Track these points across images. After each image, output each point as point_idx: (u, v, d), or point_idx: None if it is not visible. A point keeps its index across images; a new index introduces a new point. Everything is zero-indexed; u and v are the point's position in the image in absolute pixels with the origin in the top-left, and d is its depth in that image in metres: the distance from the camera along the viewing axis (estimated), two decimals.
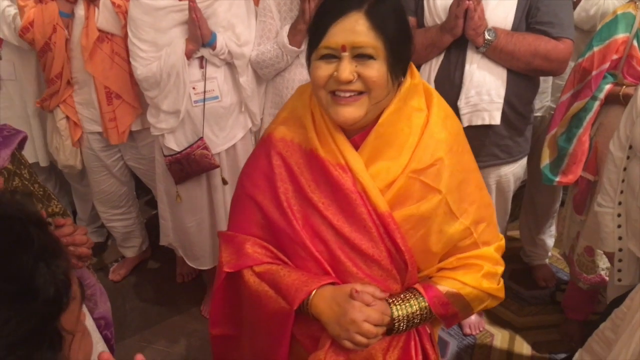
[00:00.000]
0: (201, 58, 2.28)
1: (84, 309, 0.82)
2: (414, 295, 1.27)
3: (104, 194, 2.90)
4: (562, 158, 2.31)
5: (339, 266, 1.25)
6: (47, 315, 0.67)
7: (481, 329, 2.68)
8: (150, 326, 2.81)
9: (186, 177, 2.43)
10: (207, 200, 2.54)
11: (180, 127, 2.35)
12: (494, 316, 2.76)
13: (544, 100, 2.67)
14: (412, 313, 1.25)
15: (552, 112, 2.47)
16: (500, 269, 1.35)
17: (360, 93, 1.16)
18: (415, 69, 1.27)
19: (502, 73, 2.06)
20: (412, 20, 2.21)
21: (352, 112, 1.17)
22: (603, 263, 2.35)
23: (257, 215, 1.32)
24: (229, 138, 2.42)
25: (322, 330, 1.25)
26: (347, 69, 1.13)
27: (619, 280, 2.04)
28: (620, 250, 2.01)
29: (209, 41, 2.21)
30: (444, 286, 1.29)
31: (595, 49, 2.17)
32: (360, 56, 1.14)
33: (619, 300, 1.82)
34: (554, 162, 2.34)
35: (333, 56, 1.15)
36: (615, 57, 2.15)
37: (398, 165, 1.22)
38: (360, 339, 1.19)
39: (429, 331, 1.40)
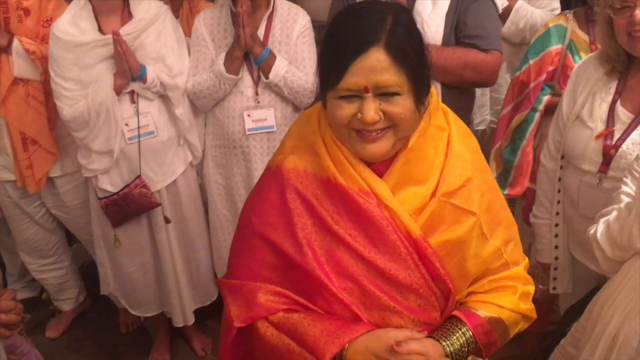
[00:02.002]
0: (132, 92, 2.17)
1: None
2: (457, 325, 1.18)
3: (29, 243, 2.68)
4: (508, 170, 2.34)
5: (373, 302, 1.15)
6: None
7: None
8: None
9: (124, 219, 2.29)
10: (149, 241, 2.40)
11: (114, 166, 2.21)
12: None
13: (484, 114, 2.71)
14: (461, 346, 1.16)
15: (493, 126, 2.50)
16: (532, 288, 1.30)
17: (385, 127, 1.10)
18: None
19: (437, 87, 2.07)
20: None
21: (380, 147, 1.11)
22: None
23: (269, 256, 1.20)
24: (168, 174, 2.31)
25: None
26: (371, 109, 1.06)
27: (554, 288, 2.07)
28: (556, 258, 2.03)
29: (138, 75, 2.11)
30: (484, 312, 1.20)
31: (531, 61, 2.22)
32: (384, 94, 1.07)
33: (574, 310, 1.83)
34: (501, 175, 2.37)
35: (354, 95, 1.08)
36: (550, 68, 2.21)
37: (426, 189, 1.16)
38: None
39: None
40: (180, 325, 2.57)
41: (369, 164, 1.17)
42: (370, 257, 1.14)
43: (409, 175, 1.16)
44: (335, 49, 1.09)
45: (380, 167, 1.17)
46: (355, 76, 1.05)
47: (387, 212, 1.14)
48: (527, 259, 1.33)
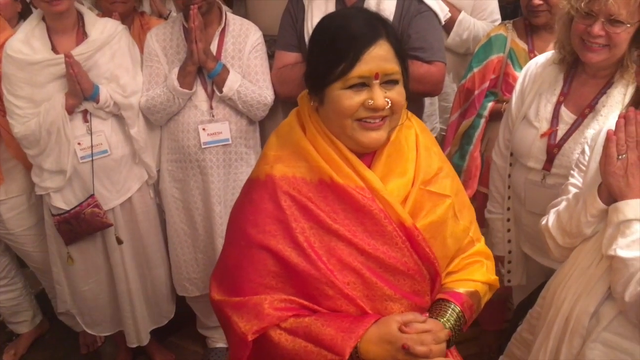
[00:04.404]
0: (85, 112, 2.16)
1: None
2: (446, 305, 1.30)
3: None
4: (458, 175, 2.39)
5: (375, 292, 1.23)
6: None
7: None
8: None
9: (77, 238, 2.27)
10: (103, 260, 2.38)
11: (67, 184, 2.19)
12: None
13: (433, 122, 2.78)
14: (455, 321, 1.28)
15: (443, 133, 2.57)
16: (493, 262, 1.45)
17: (385, 116, 1.21)
18: None
19: None
20: (297, 55, 2.22)
21: (379, 135, 1.21)
22: None
23: (270, 264, 1.23)
24: (122, 191, 2.30)
25: None
26: (381, 95, 1.17)
27: (509, 281, 2.16)
28: (509, 252, 2.12)
29: (91, 95, 2.10)
30: (464, 288, 1.34)
31: (475, 69, 2.30)
32: (387, 82, 1.19)
33: (526, 303, 1.90)
34: None
35: (362, 84, 1.17)
36: (493, 76, 2.29)
37: (407, 180, 1.28)
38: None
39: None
40: (134, 345, 2.53)
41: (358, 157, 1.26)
42: (370, 249, 1.22)
43: (391, 168, 1.28)
44: (343, 41, 1.17)
45: (364, 162, 1.26)
46: (368, 63, 1.16)
47: (382, 204, 1.23)
48: (483, 237, 1.48)
